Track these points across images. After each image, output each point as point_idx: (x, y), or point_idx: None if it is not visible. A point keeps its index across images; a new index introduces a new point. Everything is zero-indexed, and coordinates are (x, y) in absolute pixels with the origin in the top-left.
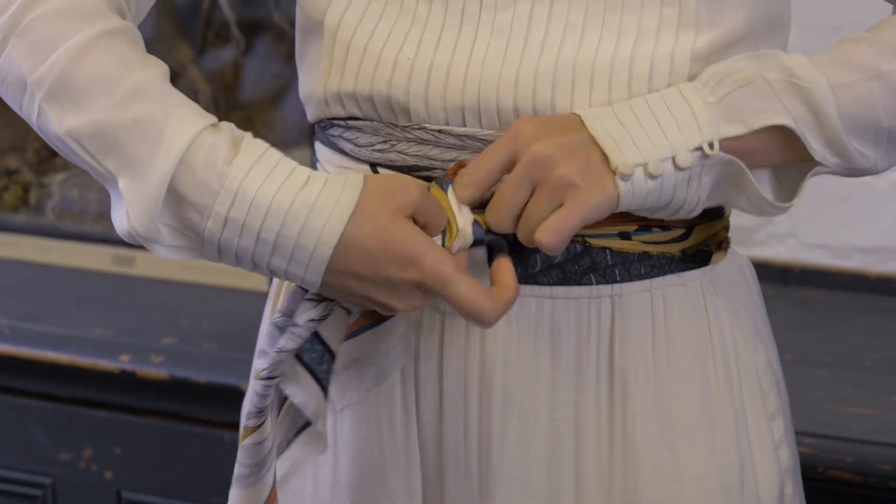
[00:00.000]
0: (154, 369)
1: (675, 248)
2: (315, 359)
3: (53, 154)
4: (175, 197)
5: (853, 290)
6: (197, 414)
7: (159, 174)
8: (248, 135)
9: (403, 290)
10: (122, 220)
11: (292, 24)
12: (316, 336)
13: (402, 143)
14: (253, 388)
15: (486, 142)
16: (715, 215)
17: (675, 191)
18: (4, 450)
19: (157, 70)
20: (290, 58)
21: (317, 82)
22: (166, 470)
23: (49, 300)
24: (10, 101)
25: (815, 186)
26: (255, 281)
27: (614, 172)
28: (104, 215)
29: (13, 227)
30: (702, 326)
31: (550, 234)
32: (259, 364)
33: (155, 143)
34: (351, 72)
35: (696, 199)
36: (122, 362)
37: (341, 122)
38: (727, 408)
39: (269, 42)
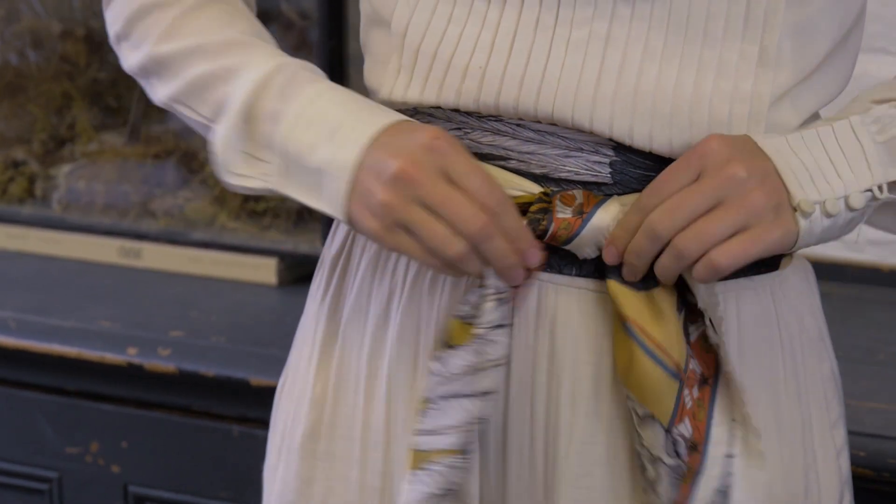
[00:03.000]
0: (162, 362)
1: None
2: None
3: (60, 145)
4: (253, 117)
5: (867, 284)
6: (205, 408)
7: (237, 100)
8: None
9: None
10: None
11: (300, 14)
12: None
13: (476, 131)
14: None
15: (566, 138)
16: None
17: (844, 229)
18: (11, 443)
19: (243, 25)
20: (298, 48)
21: (383, 82)
22: (174, 464)
23: (55, 293)
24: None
25: None
26: (263, 274)
27: (795, 209)
28: (111, 207)
29: (19, 220)
30: (772, 331)
31: (729, 258)
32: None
33: (237, 81)
34: (419, 78)
35: (855, 233)
36: (130, 355)
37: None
38: (794, 414)
39: (276, 32)
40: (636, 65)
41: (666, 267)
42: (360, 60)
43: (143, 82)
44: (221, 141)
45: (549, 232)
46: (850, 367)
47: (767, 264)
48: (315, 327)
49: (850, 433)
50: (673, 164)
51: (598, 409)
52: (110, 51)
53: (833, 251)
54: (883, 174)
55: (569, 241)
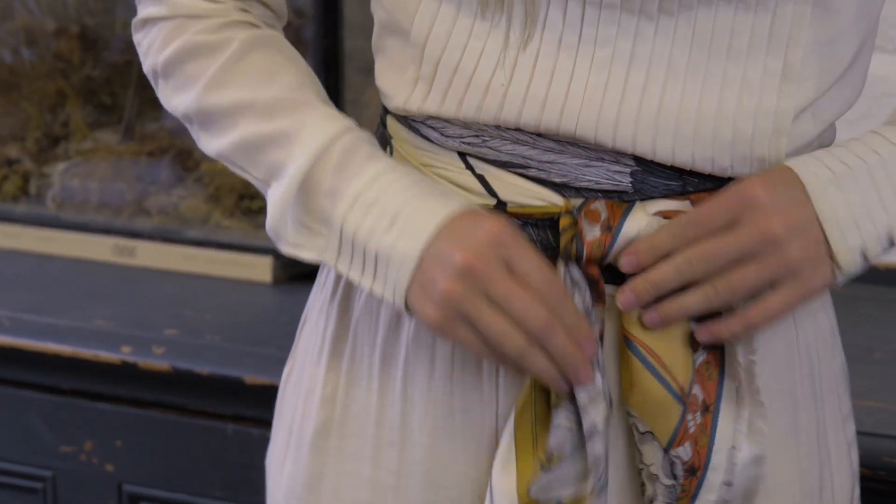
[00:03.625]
0: (156, 361)
1: None
2: None
3: (54, 143)
4: (310, 188)
5: (862, 282)
6: (200, 406)
7: (296, 169)
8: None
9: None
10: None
11: (296, 11)
12: None
13: (495, 140)
14: None
15: (587, 148)
16: None
17: (879, 258)
18: (5, 442)
19: (289, 77)
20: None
21: (399, 90)
22: (168, 463)
23: (50, 291)
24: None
25: None
26: (258, 272)
27: (832, 258)
28: (105, 205)
29: (13, 218)
30: (789, 331)
31: (766, 319)
32: None
33: (292, 147)
34: (439, 91)
35: None
36: (124, 354)
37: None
38: (811, 414)
39: None
40: (660, 83)
41: (688, 308)
42: (355, 58)
43: (187, 125)
44: (276, 209)
45: (584, 257)
46: (847, 365)
47: None
48: (325, 324)
49: None
50: (713, 201)
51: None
52: (104, 48)
53: None
54: None
55: (603, 258)
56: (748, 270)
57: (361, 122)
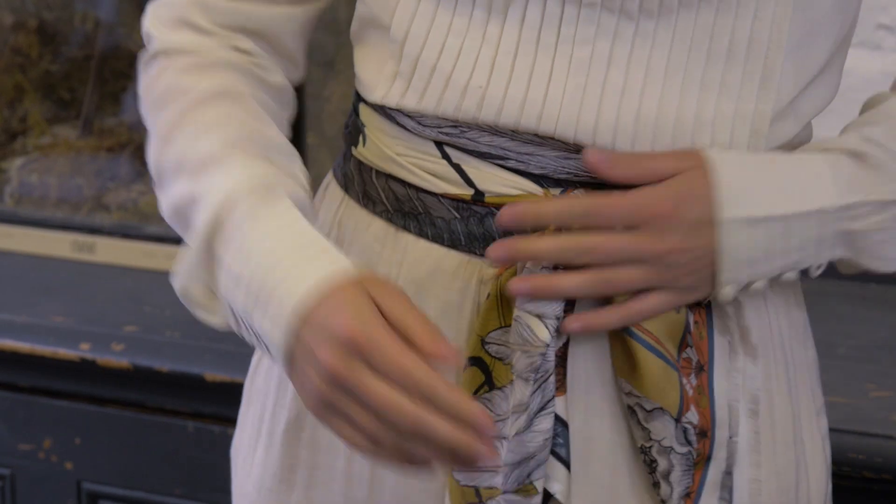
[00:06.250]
0: (115, 358)
1: None
2: None
3: (12, 138)
4: (211, 256)
5: (827, 277)
6: (159, 403)
7: (197, 235)
8: (281, 193)
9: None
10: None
11: None
12: None
13: (473, 131)
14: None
15: (564, 143)
16: None
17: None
18: None
19: (225, 133)
20: None
21: (378, 84)
22: (128, 460)
23: (7, 287)
24: None
25: None
26: None
27: (715, 283)
28: (64, 201)
29: None
30: (762, 323)
31: (643, 316)
32: None
33: (199, 209)
34: (417, 89)
35: None
36: (83, 351)
37: None
38: (786, 409)
39: None
40: (638, 87)
41: (563, 289)
42: (316, 53)
43: None
44: (182, 273)
45: None
46: None
47: None
48: None
49: None
50: (621, 199)
51: (599, 407)
52: (63, 43)
53: None
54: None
55: None
56: (634, 273)
57: (323, 118)
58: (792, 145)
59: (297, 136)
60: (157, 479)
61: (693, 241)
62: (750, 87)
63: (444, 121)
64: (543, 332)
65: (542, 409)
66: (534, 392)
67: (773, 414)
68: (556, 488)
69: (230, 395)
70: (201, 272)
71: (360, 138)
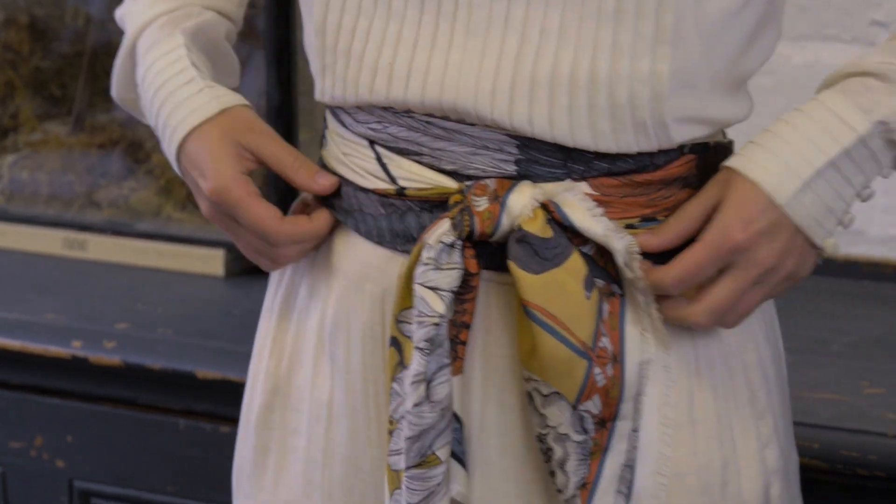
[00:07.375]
0: (107, 355)
1: None
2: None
3: (3, 135)
4: (135, 60)
5: (820, 274)
6: (151, 401)
7: (127, 39)
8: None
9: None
10: None
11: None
12: None
13: (393, 126)
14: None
15: (472, 136)
16: None
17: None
18: None
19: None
20: (245, 37)
21: (316, 83)
22: (120, 458)
23: None
24: None
25: None
26: (211, 265)
27: (814, 246)
28: (55, 198)
29: None
30: (680, 327)
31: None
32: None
33: (126, 29)
34: (339, 78)
35: None
36: (75, 348)
37: None
38: (709, 407)
39: None
40: (533, 48)
41: (686, 318)
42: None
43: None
44: (114, 80)
45: (476, 230)
46: (804, 357)
47: None
48: (273, 299)
49: (803, 425)
50: (695, 255)
51: (506, 400)
52: (54, 39)
53: None
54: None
55: (495, 230)
56: (755, 292)
57: (315, 114)
58: (715, 126)
59: (290, 132)
60: (149, 476)
61: (779, 242)
62: (642, 47)
63: (371, 117)
64: (438, 304)
65: (437, 375)
66: (429, 362)
67: (693, 411)
68: (455, 489)
69: (222, 392)
70: (127, 81)
71: (324, 141)
